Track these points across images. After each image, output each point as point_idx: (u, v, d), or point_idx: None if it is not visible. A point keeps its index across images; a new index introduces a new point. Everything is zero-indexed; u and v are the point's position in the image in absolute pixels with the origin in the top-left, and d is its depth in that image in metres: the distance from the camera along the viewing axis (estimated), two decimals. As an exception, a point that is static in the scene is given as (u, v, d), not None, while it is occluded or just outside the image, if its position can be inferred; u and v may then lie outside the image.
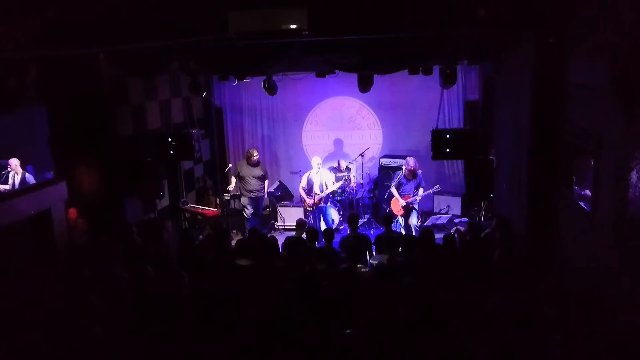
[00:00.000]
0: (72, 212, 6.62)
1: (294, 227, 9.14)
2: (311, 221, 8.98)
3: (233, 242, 7.27)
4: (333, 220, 9.33)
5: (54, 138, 6.72)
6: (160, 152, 7.95)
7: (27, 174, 8.18)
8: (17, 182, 8.08)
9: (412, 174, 8.28)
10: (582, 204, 5.06)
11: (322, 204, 9.04)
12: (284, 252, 6.50)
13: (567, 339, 3.95)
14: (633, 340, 3.77)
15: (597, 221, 4.68)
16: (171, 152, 7.93)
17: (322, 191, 8.94)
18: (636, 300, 3.86)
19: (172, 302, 5.01)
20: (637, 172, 3.88)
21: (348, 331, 4.09)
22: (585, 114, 4.99)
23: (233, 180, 9.32)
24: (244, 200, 9.19)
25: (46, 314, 4.78)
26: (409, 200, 8.35)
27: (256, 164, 9.02)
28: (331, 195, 9.22)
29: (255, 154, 8.99)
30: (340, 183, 9.16)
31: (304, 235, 6.72)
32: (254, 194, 9.10)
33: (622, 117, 4.17)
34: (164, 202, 8.67)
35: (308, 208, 9.09)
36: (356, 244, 6.55)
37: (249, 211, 9.18)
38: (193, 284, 5.56)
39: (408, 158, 8.39)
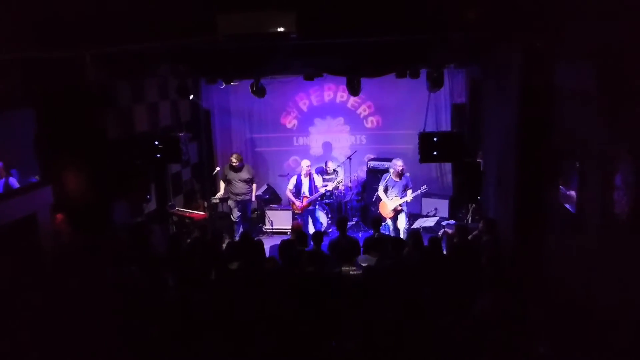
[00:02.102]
0: (59, 217, 6.55)
1: (283, 231, 9.15)
2: (300, 220, 8.97)
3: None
4: (321, 223, 9.33)
5: (39, 141, 6.64)
6: (147, 156, 7.89)
7: (11, 178, 8.05)
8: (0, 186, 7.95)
9: (399, 175, 8.31)
10: (567, 205, 5.12)
11: (311, 207, 9.03)
12: (279, 256, 6.51)
13: (555, 340, 3.99)
14: (620, 339, 3.81)
15: (583, 223, 4.73)
16: (158, 155, 7.86)
17: (311, 194, 8.94)
18: (622, 300, 3.91)
19: (157, 305, 4.98)
20: (621, 174, 3.93)
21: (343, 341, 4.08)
22: (572, 117, 5.06)
23: (222, 185, 9.29)
24: (230, 203, 9.17)
25: (33, 319, 4.73)
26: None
27: (239, 168, 9.00)
28: (319, 199, 9.22)
29: (234, 159, 8.95)
30: (334, 184, 9.18)
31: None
32: (240, 197, 9.07)
33: (607, 120, 4.23)
34: (152, 205, 8.60)
35: (297, 211, 9.07)
36: (345, 246, 6.56)
37: (235, 214, 9.15)
38: (180, 288, 5.53)
39: (395, 160, 8.43)
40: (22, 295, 5.18)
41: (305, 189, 8.98)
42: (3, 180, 7.98)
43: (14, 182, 8.04)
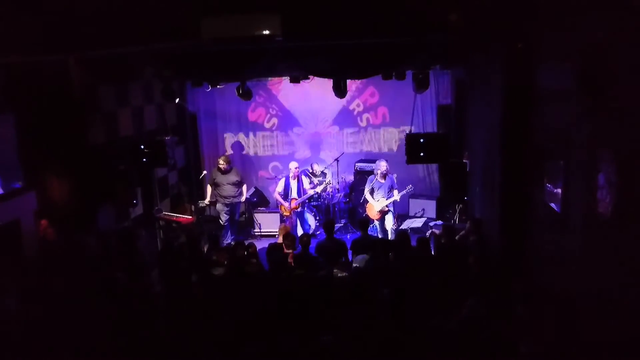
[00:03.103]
0: (44, 223, 6.47)
1: (272, 234, 9.11)
2: (288, 222, 8.96)
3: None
4: (309, 226, 9.33)
5: (22, 146, 6.56)
6: (133, 160, 7.83)
7: None
8: None
9: (384, 176, 8.37)
10: (553, 205, 5.17)
11: (299, 209, 9.04)
12: (267, 259, 6.51)
13: (541, 338, 4.02)
14: (606, 337, 3.85)
15: (568, 222, 4.78)
16: (144, 159, 7.81)
17: (299, 196, 8.94)
18: (607, 299, 3.95)
19: (145, 310, 4.95)
20: (604, 174, 3.98)
21: (326, 337, 4.08)
22: (555, 117, 5.11)
23: (209, 189, 9.24)
24: (219, 206, 9.12)
25: (18, 327, 4.67)
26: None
27: (228, 171, 8.97)
28: (307, 201, 9.22)
29: (222, 162, 8.93)
30: (323, 186, 9.19)
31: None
32: (229, 200, 9.04)
33: (588, 120, 4.28)
34: (138, 210, 8.53)
35: (286, 213, 9.06)
36: (332, 249, 6.56)
37: (224, 218, 9.11)
38: (168, 293, 5.50)
39: (378, 161, 8.48)
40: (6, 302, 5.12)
41: (293, 191, 8.98)
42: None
43: None
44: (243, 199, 9.28)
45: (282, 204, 9.07)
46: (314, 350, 3.99)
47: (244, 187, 9.25)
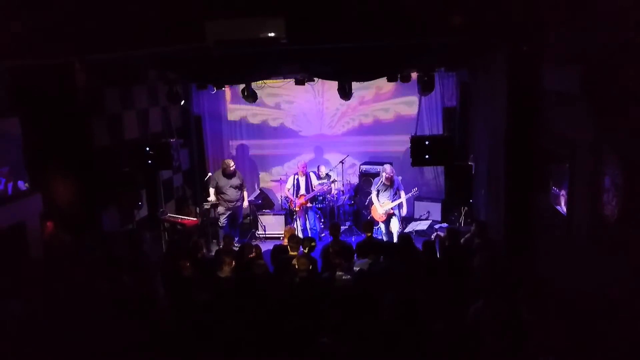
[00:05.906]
0: (50, 225, 6.50)
1: (276, 236, 9.13)
2: (293, 225, 8.98)
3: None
4: (315, 228, 9.35)
5: (28, 148, 6.59)
6: (138, 162, 7.85)
7: (19, 181, 7.91)
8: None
9: (390, 180, 8.35)
10: (558, 207, 5.15)
11: (309, 204, 9.06)
12: (271, 261, 6.50)
13: (547, 341, 4.00)
14: (612, 340, 3.83)
15: (574, 224, 4.76)
16: (149, 161, 7.83)
17: (308, 193, 8.98)
18: (614, 301, 3.93)
19: (150, 312, 4.95)
20: (609, 176, 3.96)
21: (325, 339, 4.07)
22: (560, 120, 5.09)
23: (212, 191, 9.25)
24: (220, 209, 9.13)
25: (22, 329, 4.69)
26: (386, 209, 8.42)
27: (232, 174, 8.98)
28: (318, 196, 9.28)
29: (232, 164, 8.92)
30: (331, 181, 9.23)
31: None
32: (232, 204, 9.06)
33: (593, 123, 4.26)
34: (143, 212, 8.56)
35: (296, 209, 9.09)
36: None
37: (223, 221, 9.13)
38: (172, 295, 5.50)
39: (385, 166, 8.47)
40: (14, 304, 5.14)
41: (301, 188, 9.04)
42: (11, 183, 7.82)
43: (22, 184, 7.88)
44: (246, 204, 9.31)
45: (291, 200, 9.13)
46: (316, 352, 3.98)
47: (245, 192, 9.27)
